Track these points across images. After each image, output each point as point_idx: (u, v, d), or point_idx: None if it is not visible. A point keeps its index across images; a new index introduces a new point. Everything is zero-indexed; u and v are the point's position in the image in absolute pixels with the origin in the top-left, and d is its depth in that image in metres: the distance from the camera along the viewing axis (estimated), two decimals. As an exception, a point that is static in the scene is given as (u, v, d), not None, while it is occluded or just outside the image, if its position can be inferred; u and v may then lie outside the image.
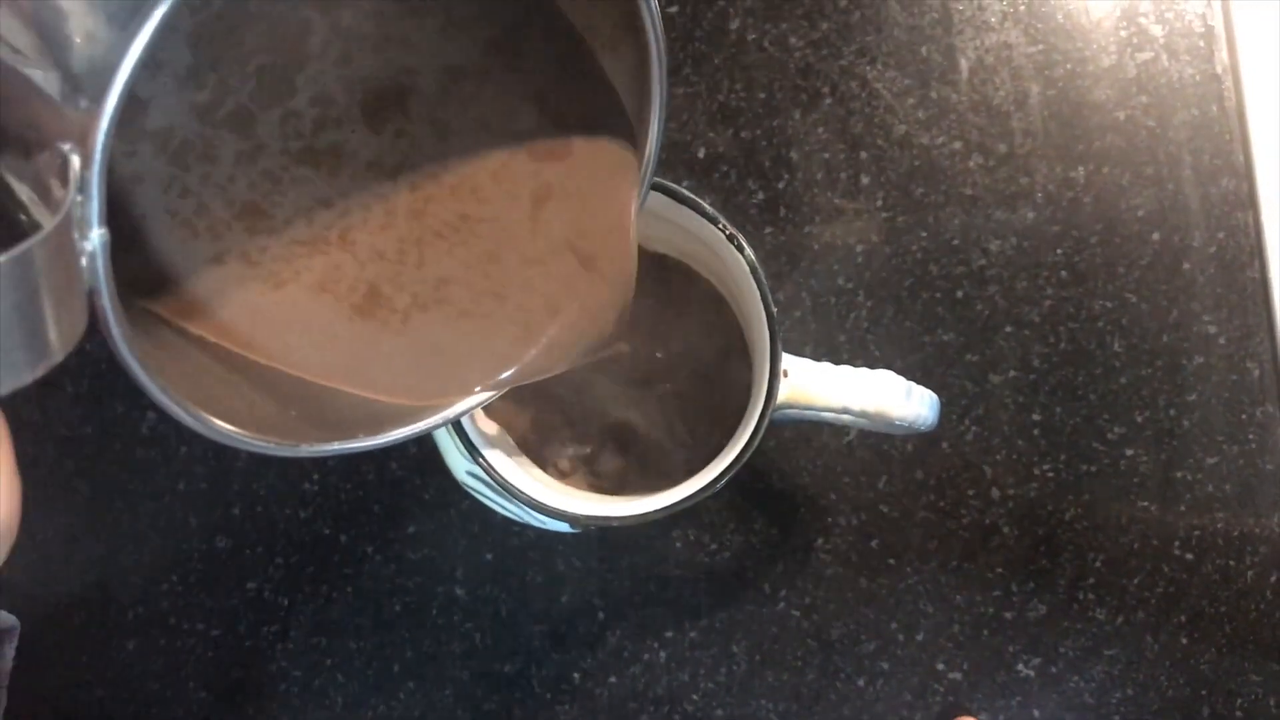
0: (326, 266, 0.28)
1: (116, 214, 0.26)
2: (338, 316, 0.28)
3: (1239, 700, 0.43)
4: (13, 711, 0.42)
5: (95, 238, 0.20)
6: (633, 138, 0.29)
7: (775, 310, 0.32)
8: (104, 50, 0.19)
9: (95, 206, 0.19)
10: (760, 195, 0.45)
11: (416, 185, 0.29)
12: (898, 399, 0.33)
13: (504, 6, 0.29)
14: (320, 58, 0.28)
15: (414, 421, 0.28)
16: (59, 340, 0.20)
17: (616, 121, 0.29)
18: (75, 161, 0.19)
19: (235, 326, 0.27)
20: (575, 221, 0.29)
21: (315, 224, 0.28)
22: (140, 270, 0.27)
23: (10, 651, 0.42)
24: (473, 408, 0.29)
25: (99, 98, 0.19)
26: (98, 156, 0.19)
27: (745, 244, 0.33)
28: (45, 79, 0.20)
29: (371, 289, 0.28)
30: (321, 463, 0.44)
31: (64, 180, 0.20)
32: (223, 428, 0.24)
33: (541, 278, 0.29)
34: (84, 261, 0.20)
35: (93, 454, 0.44)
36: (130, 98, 0.19)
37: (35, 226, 0.21)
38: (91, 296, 0.20)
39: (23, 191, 0.22)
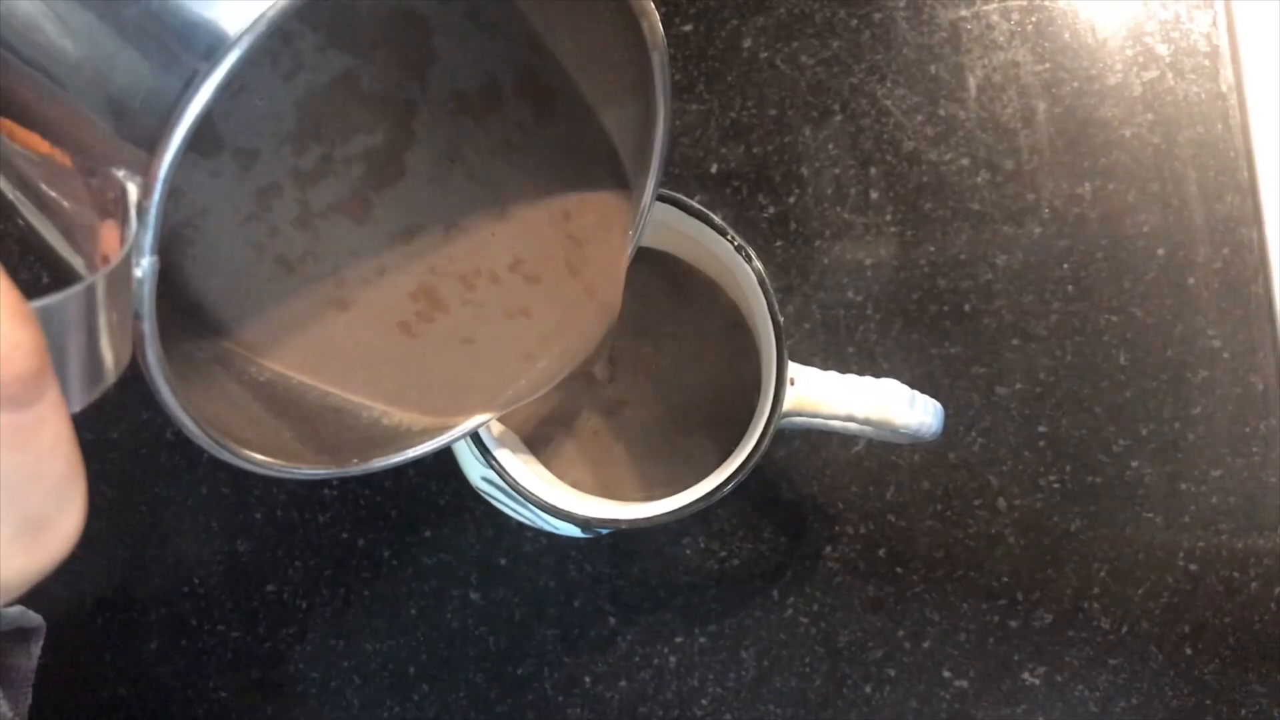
0: (383, 299, 0.30)
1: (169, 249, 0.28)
2: (387, 341, 0.30)
3: (1243, 711, 0.43)
4: (38, 709, 0.43)
5: (146, 265, 0.20)
6: (627, 184, 0.31)
7: (782, 320, 0.33)
8: (165, 88, 0.20)
9: (151, 236, 0.20)
10: (771, 210, 0.46)
11: (449, 238, 0.31)
12: (902, 407, 0.34)
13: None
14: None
15: (424, 441, 0.30)
16: (113, 366, 0.20)
17: (613, 172, 0.31)
18: (133, 190, 0.20)
19: (304, 352, 0.29)
20: (575, 263, 0.31)
21: (374, 266, 0.30)
22: (190, 302, 0.28)
23: (36, 651, 0.43)
24: (479, 425, 0.31)
25: (165, 131, 0.20)
26: (159, 187, 0.20)
27: (754, 255, 0.34)
28: (99, 104, 0.21)
29: (404, 323, 0.30)
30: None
31: (117, 209, 0.20)
32: (243, 453, 0.25)
33: (540, 312, 0.31)
34: (132, 286, 0.21)
35: (118, 459, 0.45)
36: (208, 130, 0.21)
37: (56, 258, 0.22)
38: (135, 320, 0.21)
39: (48, 227, 0.23)
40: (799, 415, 0.34)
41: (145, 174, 0.20)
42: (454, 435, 0.30)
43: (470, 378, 0.31)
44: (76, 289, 0.18)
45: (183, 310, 0.28)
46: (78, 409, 0.19)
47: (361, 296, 0.30)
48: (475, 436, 0.33)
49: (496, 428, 0.37)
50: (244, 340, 0.29)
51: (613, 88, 0.30)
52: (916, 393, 0.35)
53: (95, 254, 0.21)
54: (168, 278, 0.27)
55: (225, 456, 0.25)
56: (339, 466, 0.28)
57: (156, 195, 0.20)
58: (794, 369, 0.34)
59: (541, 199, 0.31)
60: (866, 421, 0.34)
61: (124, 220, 0.20)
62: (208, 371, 0.27)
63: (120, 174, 0.20)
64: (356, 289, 0.30)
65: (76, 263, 0.22)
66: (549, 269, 0.31)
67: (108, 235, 0.21)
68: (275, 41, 0.28)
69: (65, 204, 0.22)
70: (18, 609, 0.42)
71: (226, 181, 0.29)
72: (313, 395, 0.29)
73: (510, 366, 0.31)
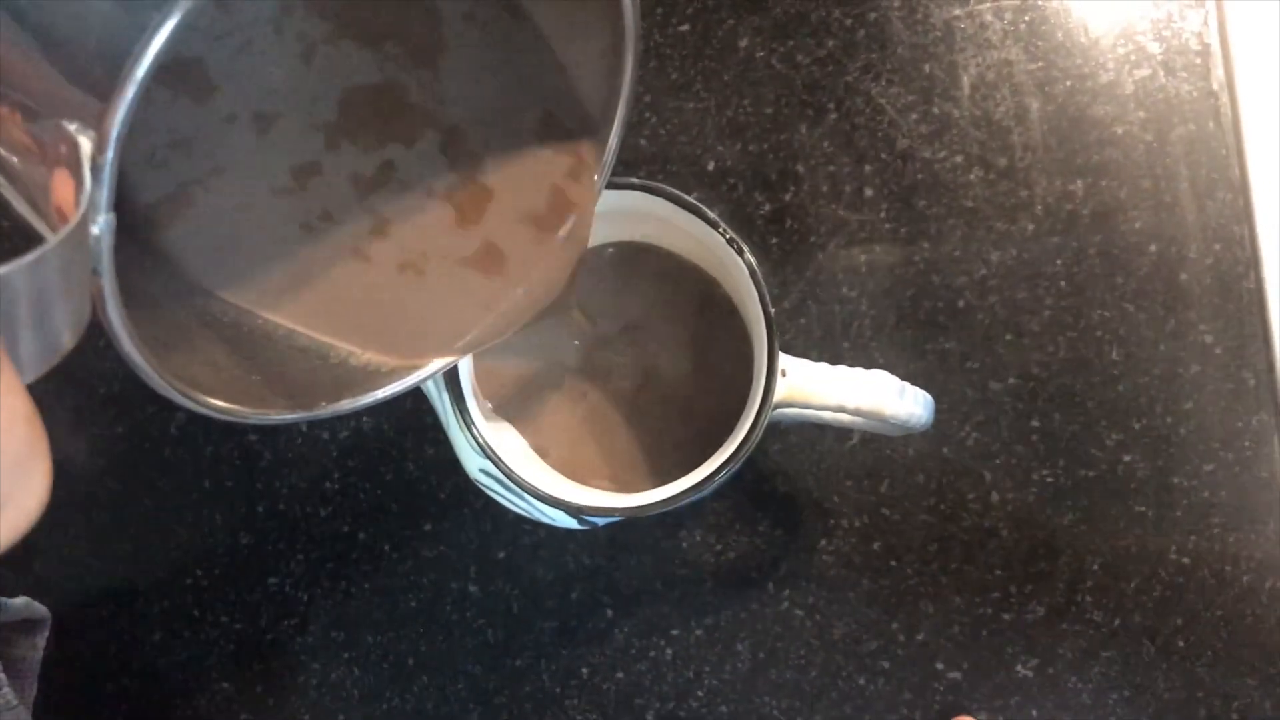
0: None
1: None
2: (354, 281, 0.30)
3: (1235, 703, 0.43)
4: (43, 699, 0.43)
5: (103, 222, 0.19)
6: (592, 124, 0.31)
7: (773, 312, 0.34)
8: (121, 30, 0.19)
9: (106, 192, 0.19)
10: (767, 207, 0.46)
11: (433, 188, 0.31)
12: (891, 397, 0.34)
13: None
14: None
15: (391, 382, 0.30)
16: (72, 331, 0.20)
17: (573, 110, 0.31)
18: (85, 144, 0.19)
19: (272, 290, 0.29)
20: (541, 208, 0.31)
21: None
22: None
23: (42, 642, 0.44)
24: (445, 365, 0.31)
25: (120, 80, 0.18)
26: (113, 144, 0.19)
27: (745, 247, 0.34)
28: (50, 45, 0.19)
29: (368, 259, 0.31)
30: (342, 463, 0.45)
31: (69, 162, 0.19)
32: (208, 401, 0.25)
33: (502, 254, 0.31)
34: (90, 244, 0.20)
35: (123, 453, 0.46)
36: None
37: None
38: (93, 276, 0.20)
39: (7, 186, 0.22)
40: (791, 406, 0.35)
41: (99, 127, 0.19)
42: (422, 375, 0.30)
43: (436, 319, 0.31)
44: (23, 261, 0.18)
45: (144, 250, 0.28)
46: (33, 379, 0.19)
47: (331, 237, 0.30)
48: (471, 425, 0.34)
49: (499, 425, 0.37)
50: (210, 279, 0.29)
51: (581, 28, 0.30)
52: (906, 384, 0.35)
53: (52, 211, 0.21)
54: (132, 223, 0.27)
55: (191, 405, 0.24)
56: (307, 410, 0.28)
57: (111, 151, 0.19)
58: (785, 360, 0.35)
59: (510, 146, 0.32)
60: (857, 412, 0.34)
61: (77, 176, 0.19)
62: (174, 320, 0.27)
63: (71, 126, 0.19)
64: (328, 232, 0.30)
65: (39, 224, 0.22)
66: (513, 214, 0.31)
67: (60, 188, 0.20)
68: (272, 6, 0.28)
69: (15, 159, 0.21)
70: (23, 600, 0.43)
71: (244, 139, 0.29)
72: (280, 334, 0.29)
73: (471, 310, 0.31)
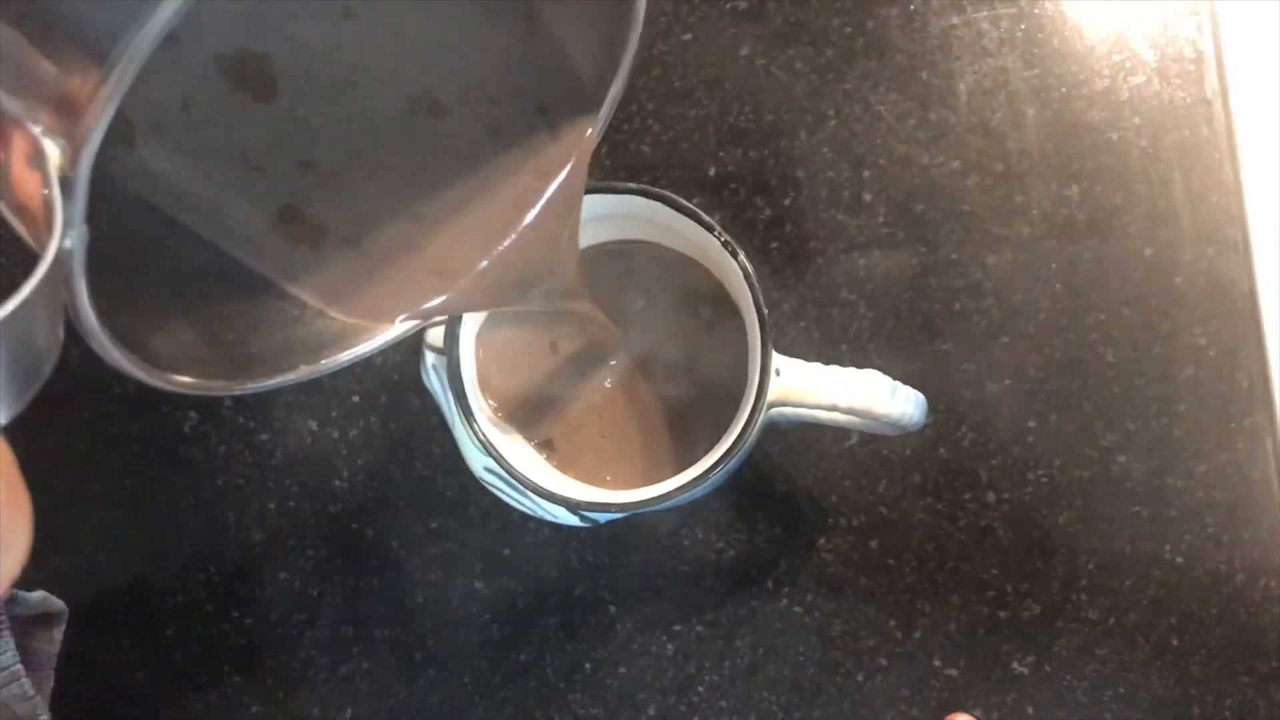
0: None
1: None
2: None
3: (1228, 700, 0.44)
4: (60, 691, 0.44)
5: (77, 236, 0.18)
6: (579, 82, 0.31)
7: (766, 312, 0.35)
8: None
9: (80, 206, 0.18)
10: (767, 212, 0.47)
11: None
12: (883, 396, 0.35)
13: None
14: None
15: (361, 344, 0.30)
16: (50, 362, 0.19)
17: (571, 96, 0.32)
18: (52, 153, 0.18)
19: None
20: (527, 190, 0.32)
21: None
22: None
23: (59, 635, 0.45)
24: (409, 330, 0.31)
25: (97, 93, 0.17)
26: (86, 160, 0.17)
27: (740, 250, 0.35)
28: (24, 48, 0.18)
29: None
30: (351, 461, 0.46)
31: (34, 162, 0.17)
32: (179, 380, 0.25)
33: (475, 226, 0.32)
34: (61, 255, 0.18)
35: (137, 452, 0.47)
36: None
37: None
38: (66, 286, 0.19)
39: None
40: (785, 405, 0.36)
41: (70, 138, 0.17)
42: (388, 338, 0.31)
43: (416, 275, 0.31)
44: (2, 314, 0.17)
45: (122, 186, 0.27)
46: (15, 415, 0.18)
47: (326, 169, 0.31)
48: (475, 424, 0.35)
49: (502, 426, 0.38)
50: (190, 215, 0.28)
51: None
52: (898, 383, 0.36)
53: (13, 199, 0.19)
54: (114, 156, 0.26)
55: (174, 389, 0.24)
56: (284, 374, 0.28)
57: (85, 169, 0.17)
58: (779, 360, 0.35)
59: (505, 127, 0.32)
60: (850, 410, 0.35)
61: (45, 182, 0.18)
62: (150, 300, 0.26)
63: (36, 129, 0.17)
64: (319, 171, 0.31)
65: (20, 230, 0.21)
66: (499, 189, 0.32)
67: (24, 184, 0.18)
68: None
69: None
70: (40, 594, 0.44)
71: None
72: (255, 280, 0.29)
73: (430, 280, 0.31)
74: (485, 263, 0.31)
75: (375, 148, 0.32)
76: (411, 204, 0.32)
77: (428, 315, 0.31)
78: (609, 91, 0.31)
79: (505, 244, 0.32)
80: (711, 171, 0.48)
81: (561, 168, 0.32)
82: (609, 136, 0.48)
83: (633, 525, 0.46)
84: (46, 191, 0.18)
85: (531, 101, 0.32)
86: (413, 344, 0.46)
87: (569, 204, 0.32)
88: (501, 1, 0.31)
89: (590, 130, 0.32)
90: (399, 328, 0.31)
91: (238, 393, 0.27)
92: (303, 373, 0.28)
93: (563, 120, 0.32)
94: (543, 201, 0.32)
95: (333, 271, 0.31)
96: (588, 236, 0.39)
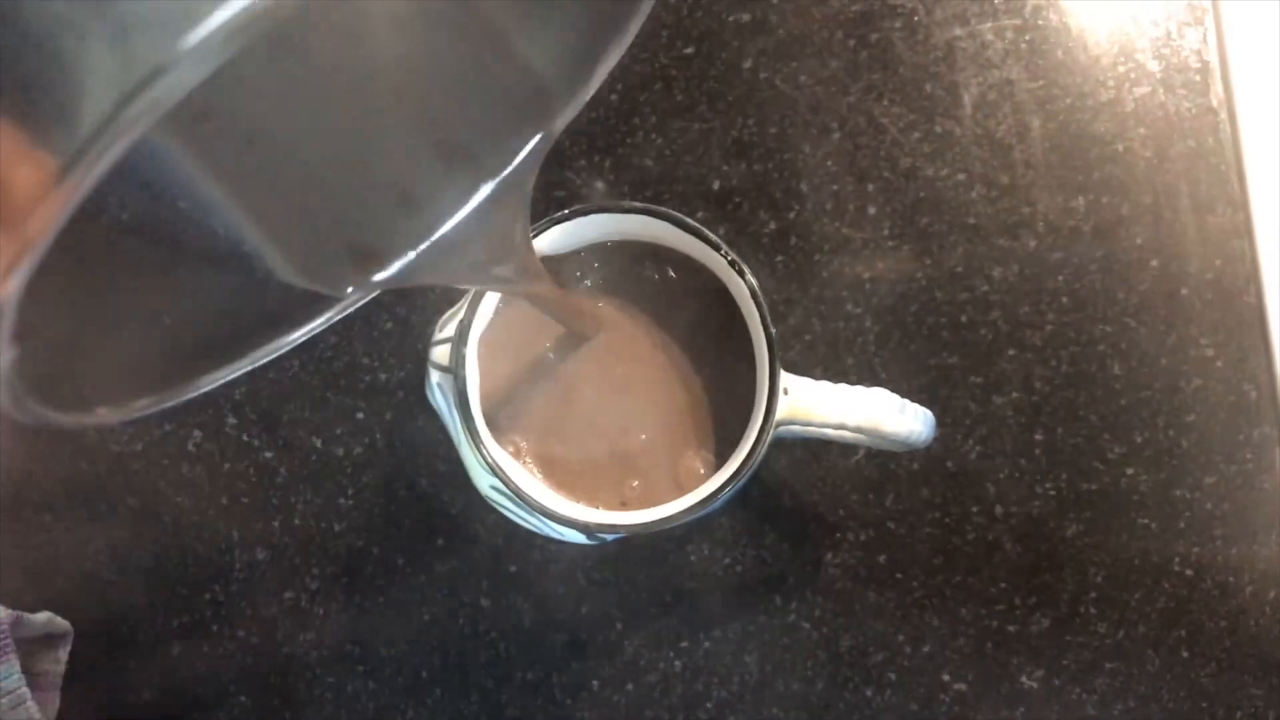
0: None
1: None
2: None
3: (1238, 713, 0.44)
4: (64, 712, 0.44)
5: (6, 359, 0.16)
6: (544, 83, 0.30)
7: (774, 331, 0.34)
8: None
9: (9, 326, 0.16)
10: (772, 225, 0.47)
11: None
12: (892, 414, 0.35)
13: None
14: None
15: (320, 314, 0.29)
16: None
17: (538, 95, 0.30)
18: None
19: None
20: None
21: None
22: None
23: (64, 655, 0.45)
24: (367, 291, 0.30)
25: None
26: (18, 282, 0.15)
27: (746, 269, 0.35)
28: None
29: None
30: (356, 479, 0.46)
31: None
32: (139, 403, 0.24)
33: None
34: None
35: (142, 470, 0.47)
36: None
37: None
38: None
39: None
40: (793, 423, 0.35)
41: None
42: (344, 307, 0.30)
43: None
44: None
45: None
46: None
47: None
48: (480, 443, 0.35)
49: (506, 448, 0.38)
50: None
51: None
52: (906, 401, 0.36)
53: None
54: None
55: (123, 417, 0.23)
56: (266, 344, 0.27)
57: (15, 294, 0.15)
58: (787, 379, 0.35)
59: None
60: (858, 429, 0.35)
61: None
62: (92, 302, 0.24)
63: None
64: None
65: None
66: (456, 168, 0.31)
67: None
68: None
69: None
70: (46, 616, 0.44)
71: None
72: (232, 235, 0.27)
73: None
74: (436, 235, 0.30)
75: (326, 130, 0.31)
76: (370, 172, 0.31)
77: (378, 286, 0.30)
78: (577, 95, 0.30)
79: (456, 219, 0.31)
80: (715, 185, 0.47)
81: (515, 155, 0.31)
82: (612, 150, 0.48)
83: (639, 542, 0.45)
84: None
85: (492, 94, 0.31)
86: (417, 361, 0.47)
87: (519, 189, 0.31)
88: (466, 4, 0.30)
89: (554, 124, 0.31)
90: (350, 298, 0.30)
91: (193, 395, 0.26)
92: (261, 353, 0.28)
93: (525, 113, 0.31)
94: (496, 181, 0.31)
95: (291, 237, 0.30)
96: (593, 250, 0.39)
